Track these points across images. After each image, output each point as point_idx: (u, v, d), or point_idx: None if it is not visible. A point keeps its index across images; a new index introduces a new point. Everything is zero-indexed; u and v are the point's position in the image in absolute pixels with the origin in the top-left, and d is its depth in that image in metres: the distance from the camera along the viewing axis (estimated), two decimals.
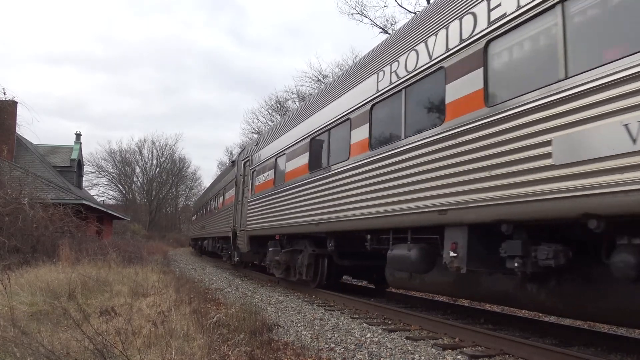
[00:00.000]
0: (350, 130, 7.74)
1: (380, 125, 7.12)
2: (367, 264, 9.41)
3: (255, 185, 13.19)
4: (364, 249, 7.68)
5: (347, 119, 7.92)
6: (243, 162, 15.20)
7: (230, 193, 16.91)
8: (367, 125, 7.31)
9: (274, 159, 11.64)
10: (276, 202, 11.00)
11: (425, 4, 21.74)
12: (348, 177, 7.64)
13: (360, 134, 7.49)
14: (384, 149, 6.77)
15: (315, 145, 9.36)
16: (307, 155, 9.59)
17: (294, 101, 37.36)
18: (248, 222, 13.18)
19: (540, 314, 8.24)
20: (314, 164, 9.24)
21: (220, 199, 20.00)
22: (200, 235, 28.09)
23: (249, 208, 13.33)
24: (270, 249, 11.61)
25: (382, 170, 6.71)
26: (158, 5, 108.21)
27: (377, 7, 54.34)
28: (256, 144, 14.17)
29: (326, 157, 8.73)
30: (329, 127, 8.69)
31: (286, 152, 10.81)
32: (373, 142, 7.16)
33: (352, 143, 7.66)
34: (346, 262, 9.37)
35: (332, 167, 8.30)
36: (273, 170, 11.60)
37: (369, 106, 7.32)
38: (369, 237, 7.35)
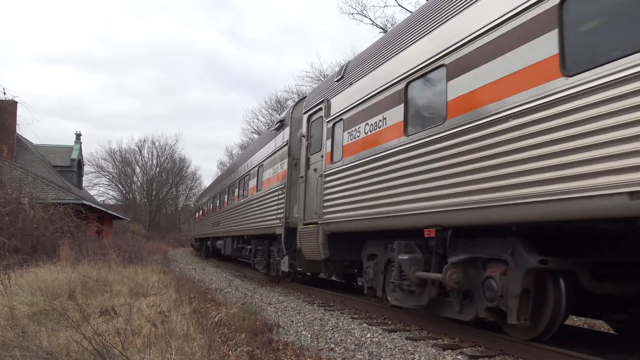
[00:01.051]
0: None
1: None
2: None
3: (343, 145, 8.21)
4: None
5: None
6: (307, 115, 10.09)
7: (275, 170, 12.26)
8: None
9: (401, 87, 6.56)
10: (426, 163, 5.81)
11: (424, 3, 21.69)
12: None
13: None
14: None
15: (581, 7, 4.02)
16: (552, 35, 4.14)
17: (294, 101, 37.33)
18: (326, 210, 8.51)
19: None
20: (595, 50, 3.84)
21: (252, 182, 14.78)
22: (211, 234, 22.33)
23: (327, 186, 8.56)
24: (404, 258, 6.13)
25: None
26: (156, 6, 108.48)
27: (377, 7, 54.43)
28: (340, 77, 8.81)
29: None
30: None
31: (446, 60, 5.59)
32: None
33: None
34: (607, 287, 4.71)
35: None
36: (402, 105, 6.52)
37: None
38: None
